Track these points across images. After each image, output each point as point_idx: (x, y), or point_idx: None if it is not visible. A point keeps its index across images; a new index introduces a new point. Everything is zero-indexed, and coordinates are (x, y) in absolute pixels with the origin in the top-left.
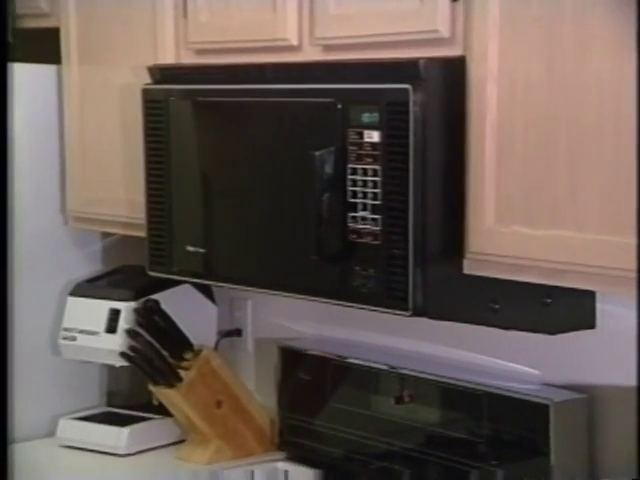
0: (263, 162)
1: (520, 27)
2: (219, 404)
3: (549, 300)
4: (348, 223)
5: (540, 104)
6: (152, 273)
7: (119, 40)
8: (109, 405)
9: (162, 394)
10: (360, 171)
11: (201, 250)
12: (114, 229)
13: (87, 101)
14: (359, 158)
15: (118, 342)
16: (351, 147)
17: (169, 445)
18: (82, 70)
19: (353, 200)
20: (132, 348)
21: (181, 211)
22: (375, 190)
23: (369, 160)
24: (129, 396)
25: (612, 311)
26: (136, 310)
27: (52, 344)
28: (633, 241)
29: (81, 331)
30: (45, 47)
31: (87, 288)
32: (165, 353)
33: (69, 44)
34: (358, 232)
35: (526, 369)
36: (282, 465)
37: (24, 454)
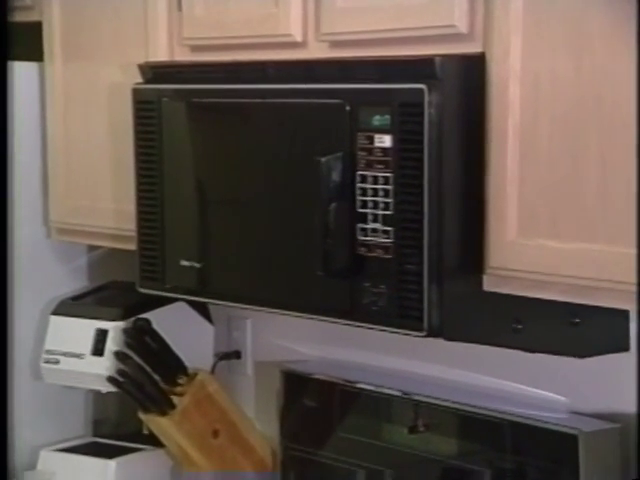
0: (264, 169)
1: (545, 21)
2: (216, 433)
3: (577, 320)
4: (357, 235)
5: (567, 105)
6: (143, 290)
7: (107, 35)
8: (95, 435)
9: (153, 422)
10: (370, 179)
11: (196, 265)
12: (101, 242)
13: (72, 102)
14: (369, 164)
15: (105, 365)
16: (360, 152)
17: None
18: (66, 68)
19: (362, 210)
20: (121, 372)
21: (175, 222)
22: (387, 199)
23: (380, 167)
24: (117, 425)
25: None
26: (125, 330)
27: (33, 368)
28: None
29: (65, 353)
30: (26, 43)
31: (71, 306)
32: (157, 377)
33: (52, 40)
34: (368, 245)
35: (553, 396)
36: None
37: None
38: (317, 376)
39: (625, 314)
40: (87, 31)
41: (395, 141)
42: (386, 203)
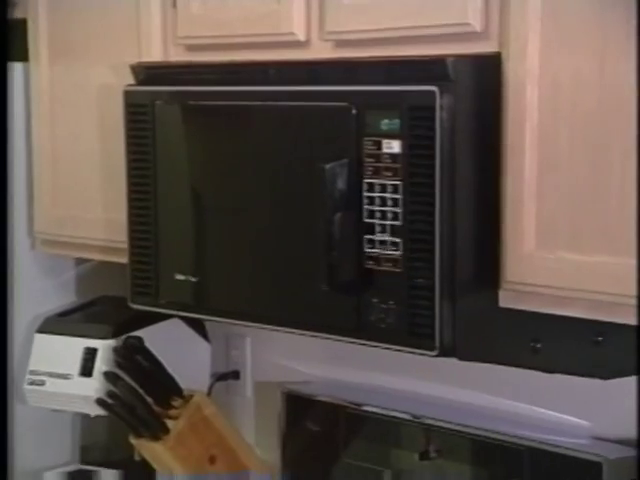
0: (265, 176)
1: (565, 18)
2: (213, 460)
3: (600, 339)
4: (364, 248)
5: (589, 108)
6: (135, 305)
7: (97, 33)
8: (83, 462)
9: (146, 448)
10: (378, 187)
11: (192, 279)
12: (90, 254)
13: (59, 105)
14: (377, 172)
15: (94, 387)
16: (367, 159)
17: None
18: (53, 69)
19: (370, 221)
20: (111, 394)
21: (169, 233)
22: (395, 209)
23: (388, 174)
24: (107, 451)
25: None
26: (116, 349)
27: (16, 389)
28: None
29: (50, 374)
30: (10, 42)
31: (58, 323)
32: (149, 400)
33: (38, 38)
34: (376, 258)
35: (573, 420)
36: None
37: None
38: (321, 398)
39: None
40: (75, 29)
41: (404, 147)
42: (395, 213)
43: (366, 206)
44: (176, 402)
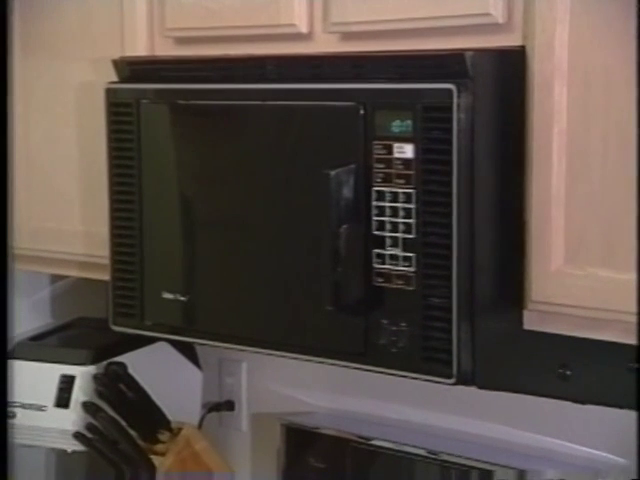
0: (262, 184)
1: (598, 8)
2: None
3: (636, 365)
4: (373, 263)
5: (624, 109)
6: (117, 328)
7: (74, 25)
8: None
9: None
10: (388, 196)
11: (181, 298)
12: (67, 270)
13: (33, 104)
14: (387, 179)
15: (71, 419)
16: (377, 165)
17: None
18: (26, 65)
19: (379, 233)
20: (90, 427)
21: (156, 247)
22: (408, 220)
23: (400, 182)
24: None
25: None
26: (96, 377)
27: None
28: None
29: (23, 405)
30: None
31: (31, 348)
32: (133, 433)
33: (10, 32)
34: (386, 275)
35: (607, 456)
36: None
37: None
38: (325, 431)
39: None
40: (51, 20)
41: (418, 151)
42: (407, 225)
43: (375, 217)
44: (163, 436)
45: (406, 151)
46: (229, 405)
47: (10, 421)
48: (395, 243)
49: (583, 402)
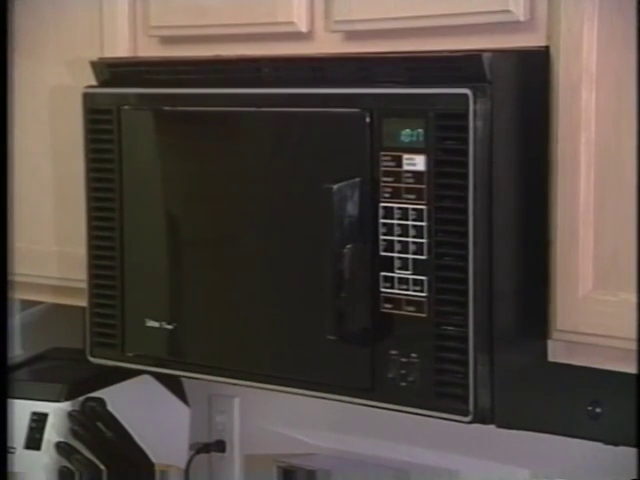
0: (257, 200)
1: (629, 3)
2: None
3: None
4: (380, 287)
5: None
6: (95, 360)
7: (49, 23)
8: None
9: None
10: (397, 213)
11: (167, 326)
12: (40, 295)
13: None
14: (396, 194)
15: (43, 462)
16: (385, 178)
17: None
18: None
19: (387, 254)
20: (64, 471)
21: (138, 270)
22: (419, 240)
23: (410, 197)
24: None
25: None
26: (71, 415)
27: None
28: None
29: None
30: None
31: None
32: (113, 478)
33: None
34: (395, 300)
35: None
36: None
37: None
38: (328, 475)
39: None
40: (22, 18)
41: (430, 163)
42: (418, 245)
43: (383, 236)
44: None
45: (417, 163)
46: (220, 446)
47: None
48: (405, 265)
49: (616, 444)
